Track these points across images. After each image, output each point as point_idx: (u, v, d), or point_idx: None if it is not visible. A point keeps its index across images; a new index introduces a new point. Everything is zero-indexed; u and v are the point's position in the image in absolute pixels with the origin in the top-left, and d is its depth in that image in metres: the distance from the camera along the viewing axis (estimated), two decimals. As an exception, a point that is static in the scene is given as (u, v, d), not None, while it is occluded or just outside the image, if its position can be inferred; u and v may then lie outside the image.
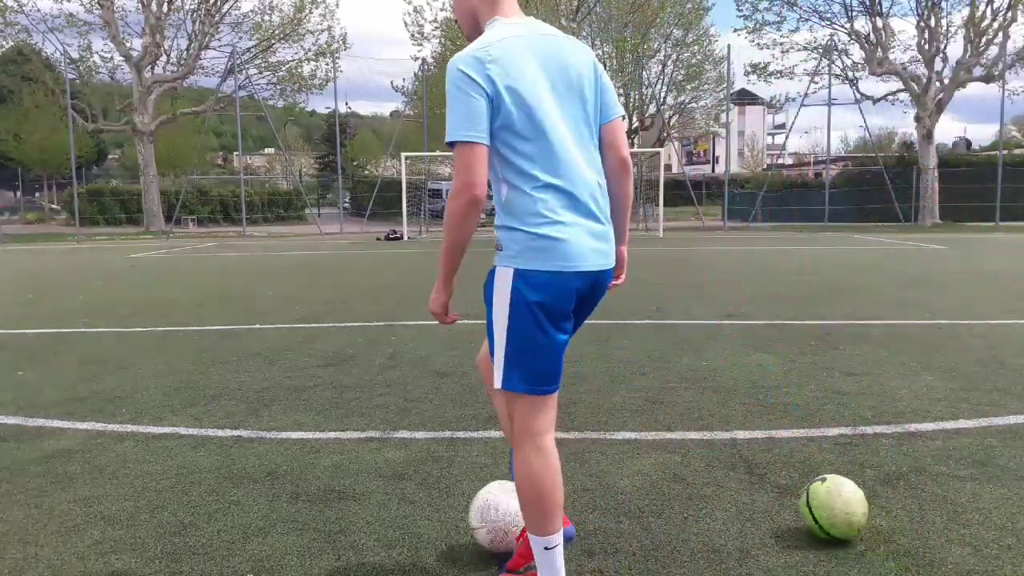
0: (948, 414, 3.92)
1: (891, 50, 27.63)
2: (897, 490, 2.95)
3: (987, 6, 26.08)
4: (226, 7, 29.94)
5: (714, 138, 56.38)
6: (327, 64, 30.91)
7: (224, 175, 48.22)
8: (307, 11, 30.31)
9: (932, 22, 26.60)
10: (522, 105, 1.92)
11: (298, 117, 47.06)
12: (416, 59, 32.95)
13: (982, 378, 4.66)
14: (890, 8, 47.63)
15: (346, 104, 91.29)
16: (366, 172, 50.47)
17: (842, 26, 28.30)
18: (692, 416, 3.96)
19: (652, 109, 41.00)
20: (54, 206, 46.20)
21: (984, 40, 26.38)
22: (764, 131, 71.25)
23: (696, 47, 39.01)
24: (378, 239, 23.19)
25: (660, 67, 39.34)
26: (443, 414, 4.05)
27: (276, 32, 30.53)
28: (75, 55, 29.57)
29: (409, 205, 24.42)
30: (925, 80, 27.08)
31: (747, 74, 29.96)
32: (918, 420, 3.83)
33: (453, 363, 5.24)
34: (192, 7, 29.73)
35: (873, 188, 29.07)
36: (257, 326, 7.01)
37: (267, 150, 69.05)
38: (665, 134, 40.87)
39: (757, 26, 28.53)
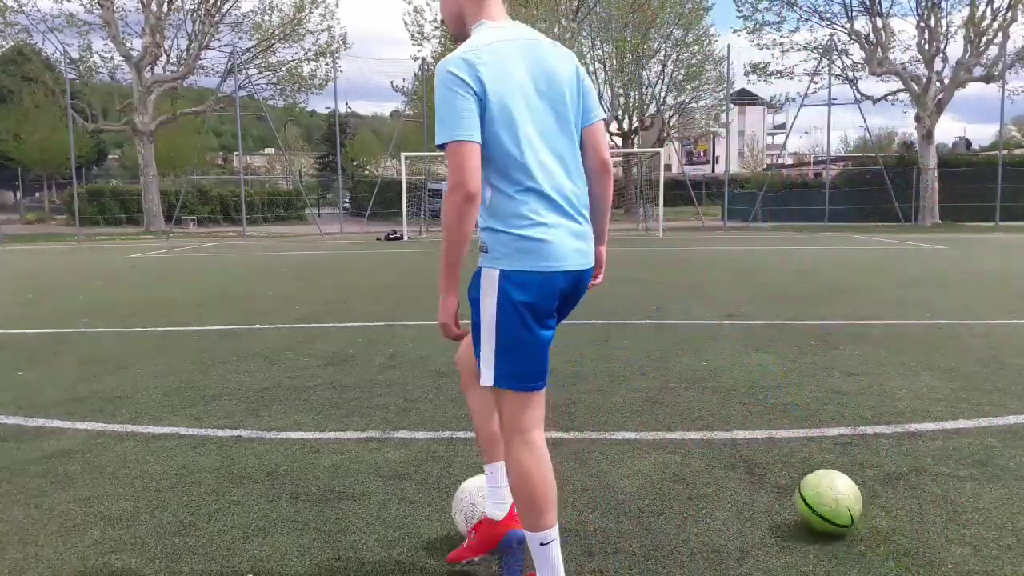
0: (948, 414, 3.92)
1: (891, 50, 27.64)
2: (897, 490, 2.95)
3: (987, 6, 26.09)
4: (226, 7, 30.00)
5: (714, 138, 56.44)
6: (327, 64, 30.97)
7: (224, 175, 48.23)
8: (307, 11, 30.34)
9: (932, 22, 26.60)
10: (508, 108, 1.96)
11: (298, 117, 47.09)
12: (416, 59, 32.99)
13: (982, 378, 4.66)
14: (890, 8, 47.68)
15: (346, 104, 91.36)
16: (366, 172, 50.49)
17: (842, 26, 28.33)
18: (692, 416, 3.96)
19: (652, 109, 41.03)
20: (54, 201, 46.27)
21: (984, 40, 26.37)
22: (764, 131, 71.26)
23: (696, 47, 39.05)
24: (378, 239, 23.20)
25: (660, 67, 39.37)
26: (443, 414, 4.05)
27: (276, 32, 30.55)
28: (75, 55, 29.65)
29: (409, 205, 24.43)
30: (925, 80, 27.08)
31: (747, 74, 29.98)
32: (918, 420, 3.83)
33: (453, 363, 5.23)
34: (192, 7, 29.78)
35: (873, 188, 29.07)
36: (257, 326, 7.01)
37: (267, 150, 69.08)
38: (665, 134, 40.89)
39: (757, 26, 28.55)
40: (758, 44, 28.75)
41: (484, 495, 2.43)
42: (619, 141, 41.86)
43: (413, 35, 32.86)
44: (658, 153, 32.19)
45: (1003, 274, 10.78)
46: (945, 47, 27.12)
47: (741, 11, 28.67)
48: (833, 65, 28.07)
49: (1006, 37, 26.25)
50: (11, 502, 2.99)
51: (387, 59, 61.72)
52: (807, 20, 29.40)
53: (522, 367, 2.03)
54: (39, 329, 7.11)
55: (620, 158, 35.07)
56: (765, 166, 57.70)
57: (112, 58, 29.78)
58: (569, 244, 2.02)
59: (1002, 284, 9.56)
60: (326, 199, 50.29)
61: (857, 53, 28.44)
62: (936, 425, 3.74)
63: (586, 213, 2.11)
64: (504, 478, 2.25)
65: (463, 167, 1.91)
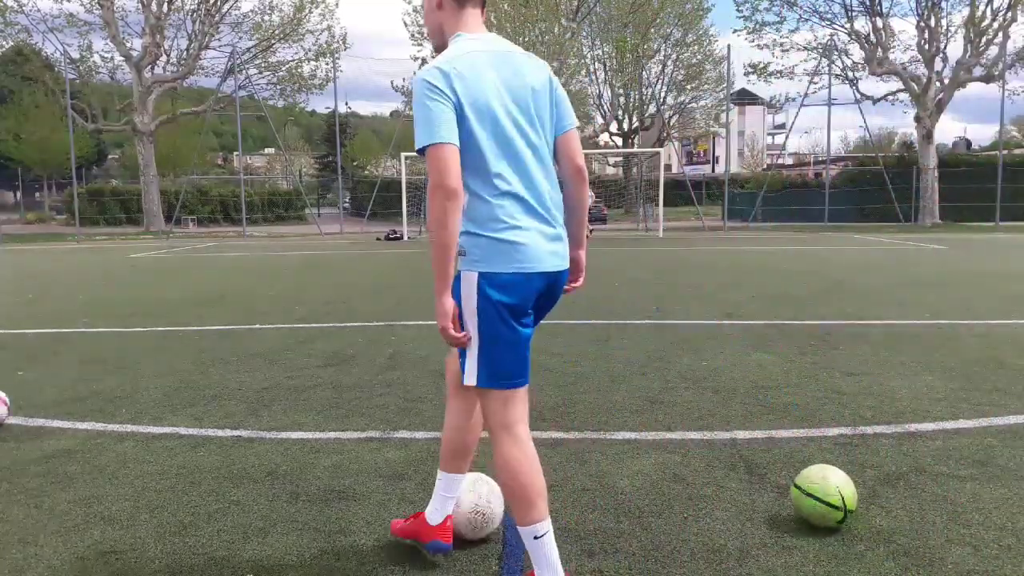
0: (948, 414, 3.92)
1: (891, 50, 27.64)
2: (897, 490, 2.95)
3: (987, 6, 26.09)
4: (226, 7, 30.00)
5: (714, 138, 56.40)
6: (327, 64, 30.96)
7: (224, 175, 48.24)
8: (307, 11, 30.33)
9: (932, 22, 26.60)
10: (483, 117, 2.03)
11: (298, 117, 47.05)
12: (416, 59, 32.90)
13: (982, 378, 4.66)
14: (890, 8, 47.65)
15: (346, 104, 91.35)
16: (366, 172, 50.49)
17: (842, 26, 28.33)
18: (692, 416, 3.96)
19: (652, 109, 41.06)
20: (55, 201, 46.26)
21: (984, 40, 26.37)
22: (764, 131, 71.24)
23: (696, 47, 39.08)
24: (378, 239, 23.19)
25: (660, 67, 39.41)
26: (443, 414, 4.02)
27: (276, 32, 30.55)
28: (75, 55, 29.64)
29: (409, 205, 24.42)
30: (925, 80, 27.08)
31: (747, 74, 29.97)
32: (918, 420, 3.83)
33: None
34: (192, 7, 29.77)
35: (873, 188, 29.07)
36: (257, 326, 7.01)
37: (267, 150, 69.08)
38: (665, 134, 40.90)
39: (757, 26, 28.55)
40: (758, 44, 28.79)
41: (497, 495, 2.52)
42: (619, 141, 41.89)
43: (413, 35, 32.83)
44: (658, 153, 32.20)
45: (1003, 274, 10.78)
46: (945, 47, 27.15)
47: (741, 11, 28.69)
48: (833, 65, 28.08)
49: (1006, 37, 26.26)
50: (11, 502, 2.99)
51: (387, 59, 61.94)
52: (807, 20, 29.51)
53: (504, 367, 2.10)
54: (39, 329, 7.11)
55: (620, 158, 35.08)
56: (765, 166, 57.67)
57: (112, 58, 29.83)
58: (544, 247, 2.09)
59: (1002, 284, 9.55)
60: (326, 199, 50.30)
61: (857, 53, 28.49)
62: (936, 425, 3.75)
63: (560, 217, 2.18)
64: (452, 488, 2.40)
65: (443, 168, 1.96)
